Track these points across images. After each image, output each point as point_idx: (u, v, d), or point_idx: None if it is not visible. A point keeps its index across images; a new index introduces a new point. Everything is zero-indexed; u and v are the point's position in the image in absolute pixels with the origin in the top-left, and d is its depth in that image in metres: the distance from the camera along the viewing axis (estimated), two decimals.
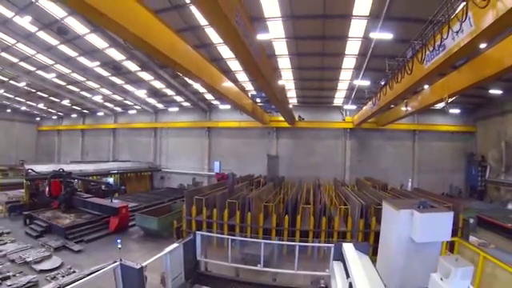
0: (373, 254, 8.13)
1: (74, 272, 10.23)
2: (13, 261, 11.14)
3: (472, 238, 14.00)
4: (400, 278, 6.53)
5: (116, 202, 16.46)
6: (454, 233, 12.21)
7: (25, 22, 15.97)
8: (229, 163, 28.17)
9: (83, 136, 39.16)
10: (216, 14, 6.60)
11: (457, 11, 6.76)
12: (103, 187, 23.06)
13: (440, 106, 23.07)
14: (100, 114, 36.39)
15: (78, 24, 15.75)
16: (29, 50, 20.16)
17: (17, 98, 34.26)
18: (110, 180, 25.37)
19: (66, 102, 34.00)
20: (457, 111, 25.04)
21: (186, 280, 6.89)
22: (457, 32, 6.54)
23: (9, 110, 38.69)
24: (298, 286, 7.18)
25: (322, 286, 6.72)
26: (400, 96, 13.13)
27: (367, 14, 12.35)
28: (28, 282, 9.41)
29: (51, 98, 32.75)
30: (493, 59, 9.15)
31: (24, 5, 14.27)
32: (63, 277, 9.89)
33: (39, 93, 31.24)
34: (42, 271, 10.37)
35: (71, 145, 40.18)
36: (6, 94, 32.57)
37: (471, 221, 15.83)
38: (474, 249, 6.76)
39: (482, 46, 9.79)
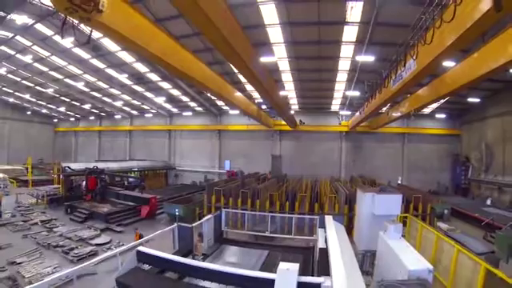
0: None
1: (122, 245, 12.97)
2: (69, 238, 13.87)
3: (443, 225, 16.58)
4: (366, 240, 9.46)
5: (145, 194, 19.24)
6: (424, 218, 15.15)
7: (67, 42, 18.67)
8: (237, 162, 30.78)
9: (100, 137, 41.40)
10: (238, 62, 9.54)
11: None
12: (125, 182, 25.88)
13: (427, 111, 26.07)
14: (117, 116, 38.51)
15: (111, 43, 18.27)
16: (61, 62, 22.56)
17: (38, 102, 36.40)
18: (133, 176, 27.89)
19: (86, 106, 36.18)
20: (442, 116, 27.63)
21: (215, 242, 9.82)
22: (404, 69, 9.38)
23: (29, 112, 41.02)
24: (296, 246, 10.13)
25: (311, 245, 9.63)
26: (378, 108, 15.99)
27: (354, 40, 15.20)
28: (90, 251, 12.29)
29: (73, 102, 35.02)
30: (446, 82, 11.94)
31: (66, 27, 17.04)
32: (115, 247, 12.79)
33: (62, 97, 33.42)
34: (97, 245, 13.23)
35: (88, 145, 42.51)
36: (29, 98, 34.82)
37: (445, 212, 18.44)
38: (418, 221, 9.62)
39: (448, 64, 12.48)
